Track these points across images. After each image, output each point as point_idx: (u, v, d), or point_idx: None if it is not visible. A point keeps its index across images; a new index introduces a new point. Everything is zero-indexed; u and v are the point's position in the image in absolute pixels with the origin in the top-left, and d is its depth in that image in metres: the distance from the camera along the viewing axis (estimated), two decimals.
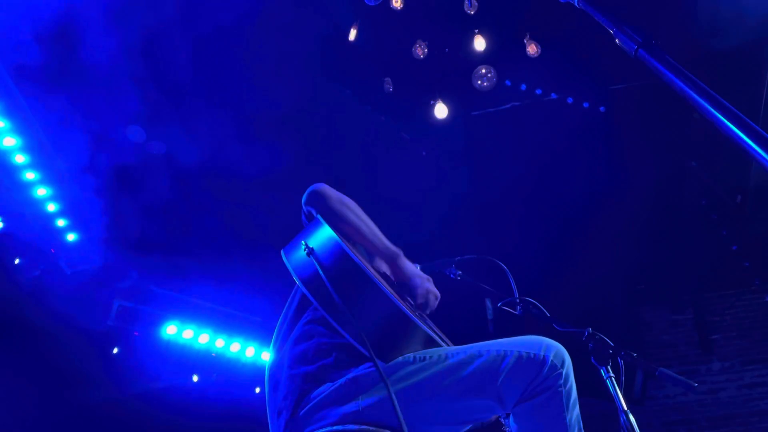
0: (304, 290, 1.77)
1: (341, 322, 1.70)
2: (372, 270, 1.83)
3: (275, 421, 1.79)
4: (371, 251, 2.08)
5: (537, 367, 1.66)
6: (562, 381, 1.66)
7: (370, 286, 1.71)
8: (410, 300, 2.06)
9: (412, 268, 2.08)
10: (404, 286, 2.11)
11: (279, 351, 1.94)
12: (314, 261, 1.74)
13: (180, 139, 4.87)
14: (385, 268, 2.17)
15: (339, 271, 1.73)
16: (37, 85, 3.92)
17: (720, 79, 4.53)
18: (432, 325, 2.04)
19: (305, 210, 2.02)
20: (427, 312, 2.11)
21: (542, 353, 1.68)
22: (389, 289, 1.79)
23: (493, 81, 5.62)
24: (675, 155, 6.14)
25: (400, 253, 2.05)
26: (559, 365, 1.67)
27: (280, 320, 2.05)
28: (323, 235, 1.82)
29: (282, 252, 1.92)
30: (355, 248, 1.98)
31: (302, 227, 2.04)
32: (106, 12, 3.87)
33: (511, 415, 1.74)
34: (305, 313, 1.93)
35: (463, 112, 6.00)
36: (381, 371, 1.53)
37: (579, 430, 1.70)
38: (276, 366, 1.90)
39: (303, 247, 1.79)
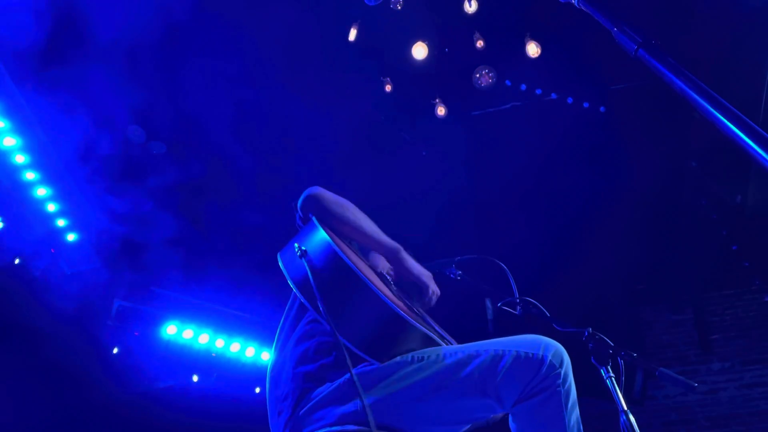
0: (297, 293, 1.78)
1: (329, 323, 1.70)
2: (367, 271, 1.83)
3: (275, 421, 1.79)
4: (373, 249, 2.09)
5: (535, 366, 1.66)
6: (560, 380, 1.66)
7: (362, 287, 1.71)
8: (407, 299, 2.06)
9: (414, 263, 2.09)
10: (407, 282, 2.12)
11: (281, 351, 1.94)
12: (305, 263, 1.74)
13: (179, 139, 4.87)
14: (384, 267, 2.17)
15: (331, 273, 1.74)
16: (38, 85, 3.92)
17: (720, 79, 4.53)
18: (432, 323, 2.04)
19: (300, 214, 2.03)
20: (425, 308, 2.12)
21: (540, 352, 1.68)
22: (384, 289, 1.79)
23: (493, 81, 5.62)
24: (675, 155, 6.14)
25: (401, 248, 2.06)
26: (557, 365, 1.67)
27: (282, 320, 2.06)
28: (316, 238, 1.83)
29: (278, 255, 1.92)
30: (352, 250, 1.98)
31: (296, 229, 2.05)
32: (107, 12, 3.87)
33: (510, 415, 1.74)
34: (307, 313, 1.93)
35: (463, 112, 6.00)
36: (355, 377, 1.53)
37: (578, 431, 1.69)
38: (277, 366, 1.91)
39: (296, 249, 1.80)
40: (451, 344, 1.98)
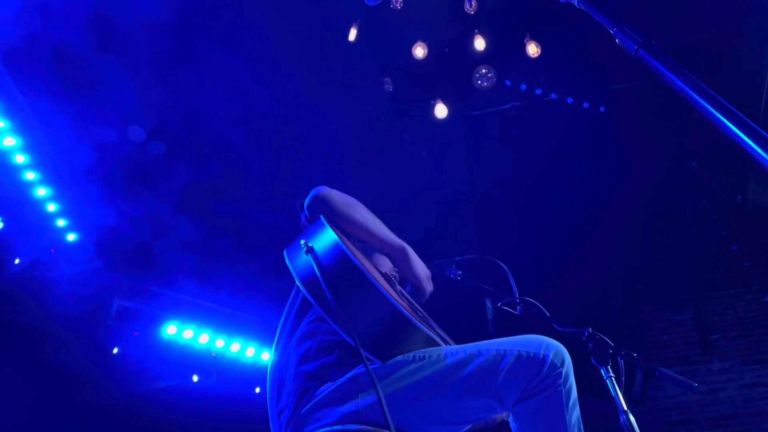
0: (303, 290, 1.78)
1: (337, 322, 1.70)
2: (373, 271, 1.83)
3: (276, 420, 1.79)
4: (380, 248, 2.09)
5: (537, 366, 1.66)
6: (561, 380, 1.66)
7: (368, 286, 1.71)
8: (410, 300, 2.06)
9: (419, 265, 2.11)
10: (410, 284, 2.13)
11: (282, 350, 1.94)
12: (311, 260, 1.75)
13: (178, 138, 4.87)
14: (388, 267, 2.17)
15: (337, 271, 1.74)
16: (38, 86, 3.92)
17: (720, 79, 4.53)
18: (434, 324, 2.04)
19: (307, 213, 2.03)
20: (421, 302, 2.13)
21: (542, 352, 1.68)
22: (389, 289, 1.79)
23: (493, 81, 5.62)
24: (675, 155, 6.14)
25: (408, 247, 2.07)
26: (558, 364, 1.67)
27: (282, 320, 2.06)
28: (324, 237, 1.84)
29: (285, 252, 1.93)
30: (357, 249, 1.98)
31: (301, 229, 2.05)
32: (110, 11, 3.87)
33: (510, 414, 1.74)
34: (309, 312, 1.93)
35: (463, 112, 5.99)
36: (370, 372, 1.52)
37: (579, 430, 1.69)
38: (279, 365, 1.91)
39: (303, 245, 1.80)
40: (451, 344, 1.99)
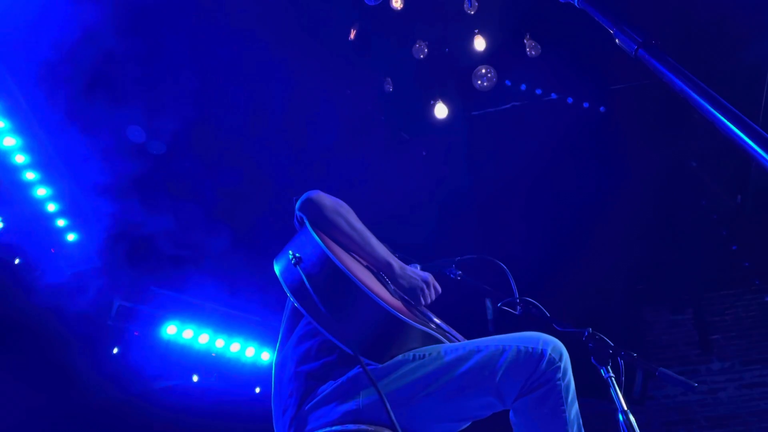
0: (293, 300, 1.77)
1: (330, 331, 1.70)
2: (362, 273, 1.82)
3: (280, 419, 1.80)
4: (365, 260, 2.05)
5: (535, 361, 1.68)
6: (560, 375, 1.68)
7: (357, 292, 1.71)
8: (408, 297, 2.05)
9: (405, 280, 2.01)
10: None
11: (283, 350, 1.95)
12: (300, 271, 1.74)
13: (179, 139, 4.87)
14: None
15: (326, 279, 1.73)
16: (38, 85, 3.92)
17: (720, 79, 4.54)
18: (434, 318, 2.03)
19: (298, 216, 2.02)
20: (423, 305, 2.10)
21: (540, 347, 1.70)
22: (380, 291, 1.79)
23: (493, 81, 5.62)
24: (675, 155, 6.14)
25: (393, 263, 2.00)
26: (557, 359, 1.69)
27: (283, 320, 2.06)
28: (311, 244, 1.82)
29: (274, 262, 1.92)
30: (348, 253, 1.97)
31: (294, 232, 2.04)
32: (108, 11, 3.87)
33: (511, 411, 1.75)
34: None
35: (463, 112, 6.00)
36: (370, 376, 1.53)
37: (578, 425, 1.71)
38: (280, 365, 1.91)
39: (291, 256, 1.79)
40: (456, 339, 1.99)
